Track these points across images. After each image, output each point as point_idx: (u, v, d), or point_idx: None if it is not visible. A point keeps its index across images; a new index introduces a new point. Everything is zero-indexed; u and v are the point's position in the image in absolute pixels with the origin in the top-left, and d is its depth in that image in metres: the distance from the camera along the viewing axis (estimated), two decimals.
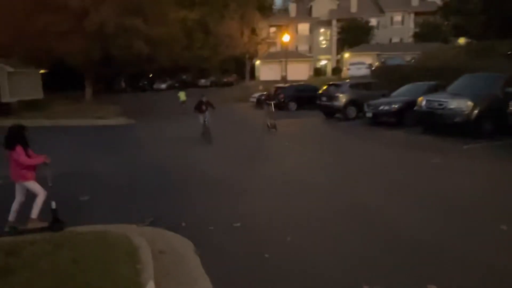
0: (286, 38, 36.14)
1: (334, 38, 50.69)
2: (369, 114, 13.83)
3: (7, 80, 22.23)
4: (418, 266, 3.65)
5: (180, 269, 3.78)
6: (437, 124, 10.74)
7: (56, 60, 25.79)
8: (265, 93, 24.37)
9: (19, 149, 4.66)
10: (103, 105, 26.08)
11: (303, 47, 53.14)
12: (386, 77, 19.29)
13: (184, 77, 50.33)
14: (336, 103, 16.01)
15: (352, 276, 3.54)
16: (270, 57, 48.30)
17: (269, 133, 13.30)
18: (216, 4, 44.79)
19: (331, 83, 18.17)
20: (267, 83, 35.29)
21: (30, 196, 4.82)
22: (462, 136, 9.79)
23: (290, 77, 40.37)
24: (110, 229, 4.44)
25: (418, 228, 4.56)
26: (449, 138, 9.97)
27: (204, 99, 12.86)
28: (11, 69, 22.40)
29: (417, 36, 45.80)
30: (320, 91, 18.06)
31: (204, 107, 12.68)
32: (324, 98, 17.03)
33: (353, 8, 51.00)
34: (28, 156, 4.77)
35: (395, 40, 49.18)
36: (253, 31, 45.76)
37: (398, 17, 50.50)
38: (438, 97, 10.79)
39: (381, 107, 13.21)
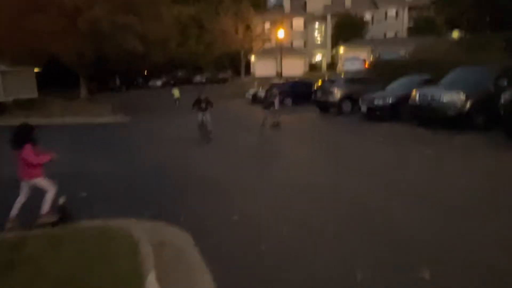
0: (281, 34, 36.11)
1: (329, 33, 50.74)
2: (363, 109, 13.94)
3: (1, 79, 22.16)
4: (409, 255, 3.77)
5: (180, 261, 3.87)
6: (430, 117, 10.86)
7: (50, 58, 25.68)
8: (260, 89, 24.42)
9: (27, 148, 4.74)
10: (98, 103, 26.05)
11: (298, 43, 53.15)
12: (381, 72, 19.40)
13: (179, 74, 50.23)
14: (331, 98, 16.13)
15: (344, 262, 3.65)
16: (265, 53, 48.24)
17: (267, 129, 13.30)
18: (211, 0, 44.67)
19: (326, 78, 18.28)
20: (262, 79, 35.32)
21: (36, 193, 4.91)
22: (456, 129, 9.92)
23: (285, 72, 40.38)
24: (110, 224, 4.53)
25: (409, 216, 4.69)
26: (442, 131, 10.10)
27: (203, 96, 12.05)
28: (5, 68, 22.30)
29: (412, 31, 45.96)
30: (315, 87, 18.17)
31: (203, 105, 11.85)
32: (319, 93, 17.14)
33: (348, 3, 51.02)
34: (36, 154, 4.85)
35: (390, 34, 49.30)
36: (248, 27, 45.65)
37: (392, 12, 50.54)
38: (432, 91, 10.91)
39: (376, 101, 13.32)
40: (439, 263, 3.58)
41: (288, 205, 5.52)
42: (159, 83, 46.83)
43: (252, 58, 49.58)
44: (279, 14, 53.41)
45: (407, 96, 11.74)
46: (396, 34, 49.19)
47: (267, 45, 49.47)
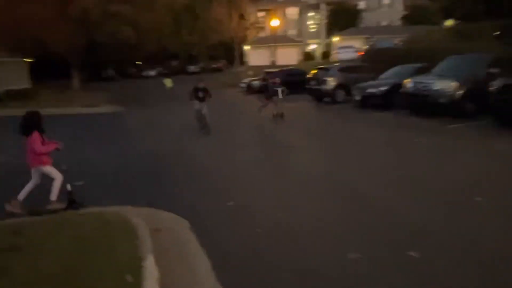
0: (275, 22, 36.00)
1: (323, 22, 50.54)
2: (357, 97, 14.04)
3: None
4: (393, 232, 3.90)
5: (177, 245, 3.97)
6: (423, 105, 10.99)
7: (42, 48, 25.37)
8: (259, 77, 24.29)
9: (35, 135, 4.82)
10: (91, 93, 25.85)
11: (292, 32, 52.91)
12: (375, 60, 19.47)
13: (173, 63, 49.92)
14: (325, 87, 16.19)
15: (336, 241, 3.78)
16: (259, 42, 48.01)
17: (263, 118, 13.25)
18: None
19: (320, 67, 18.30)
20: (257, 68, 35.21)
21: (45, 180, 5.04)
22: (448, 116, 10.06)
23: (280, 62, 40.37)
24: (107, 211, 4.60)
25: (401, 201, 4.83)
26: (435, 119, 10.25)
27: (201, 85, 11.34)
28: None
29: (406, 19, 45.95)
30: (309, 75, 18.19)
31: (200, 94, 11.17)
32: (313, 82, 17.19)
33: None
34: (42, 143, 4.93)
35: (384, 23, 49.22)
36: (242, 16, 45.36)
37: (386, 0, 50.42)
38: (424, 79, 11.03)
39: (369, 90, 13.41)
40: (425, 243, 3.71)
41: (281, 188, 5.64)
42: (153, 73, 46.56)
43: (246, 47, 49.33)
44: (273, 3, 53.06)
45: (401, 85, 11.84)
46: (390, 22, 49.14)
47: (261, 34, 49.27)
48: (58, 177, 5.02)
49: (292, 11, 53.64)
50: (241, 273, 3.41)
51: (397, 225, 4.17)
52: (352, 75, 16.10)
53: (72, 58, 28.29)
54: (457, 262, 3.36)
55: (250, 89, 25.62)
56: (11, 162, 7.63)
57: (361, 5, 49.65)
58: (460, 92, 9.90)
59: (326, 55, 45.66)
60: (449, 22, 30.72)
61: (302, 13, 53.13)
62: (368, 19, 48.57)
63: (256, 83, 24.95)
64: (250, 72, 33.45)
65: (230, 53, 48.26)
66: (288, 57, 44.09)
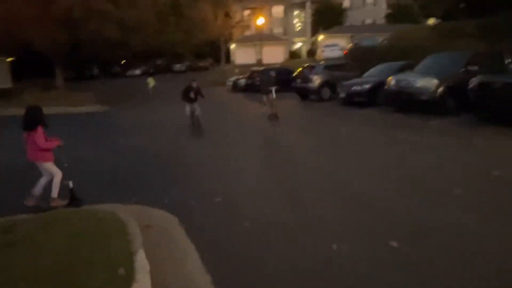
0: (260, 21, 36.11)
1: (309, 20, 50.88)
2: (342, 95, 14.27)
3: None
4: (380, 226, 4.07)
5: (167, 240, 4.06)
6: (406, 102, 11.26)
7: (24, 47, 24.91)
8: (244, 76, 24.36)
9: (40, 130, 4.80)
10: (75, 92, 25.51)
11: (277, 30, 53.13)
12: (359, 58, 19.77)
13: (158, 62, 49.48)
14: (310, 85, 16.39)
15: (322, 235, 3.92)
16: (245, 41, 48.06)
17: (253, 116, 13.40)
18: None
19: (305, 65, 18.50)
20: (243, 67, 35.28)
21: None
22: (430, 113, 10.34)
23: (266, 60, 40.46)
24: (97, 208, 4.66)
25: (378, 189, 5.01)
26: (417, 116, 10.52)
27: (194, 85, 11.31)
28: None
29: (390, 17, 46.63)
30: (295, 74, 18.37)
31: (192, 95, 11.13)
32: (299, 80, 17.38)
33: None
34: (46, 139, 4.96)
35: (368, 21, 49.91)
36: (227, 14, 45.24)
37: None
38: (406, 77, 11.30)
39: (354, 88, 13.65)
40: (406, 232, 3.89)
41: (266, 179, 5.76)
42: (138, 72, 46.07)
43: (232, 46, 49.30)
44: (258, 1, 53.10)
45: (384, 82, 12.10)
46: (374, 21, 49.81)
47: (247, 33, 49.25)
48: (58, 174, 5.08)
49: (278, 10, 53.88)
50: (230, 266, 3.52)
51: (380, 217, 4.33)
52: (338, 73, 16.35)
53: (56, 56, 27.82)
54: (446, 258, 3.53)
55: (235, 87, 25.74)
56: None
57: (346, 3, 50.19)
58: (441, 89, 10.18)
59: (311, 53, 46.01)
60: (431, 21, 31.35)
61: (287, 11, 53.41)
62: (352, 18, 49.15)
63: (242, 81, 25.09)
64: (237, 70, 33.51)
65: (217, 52, 48.12)
66: (274, 55, 44.31)
